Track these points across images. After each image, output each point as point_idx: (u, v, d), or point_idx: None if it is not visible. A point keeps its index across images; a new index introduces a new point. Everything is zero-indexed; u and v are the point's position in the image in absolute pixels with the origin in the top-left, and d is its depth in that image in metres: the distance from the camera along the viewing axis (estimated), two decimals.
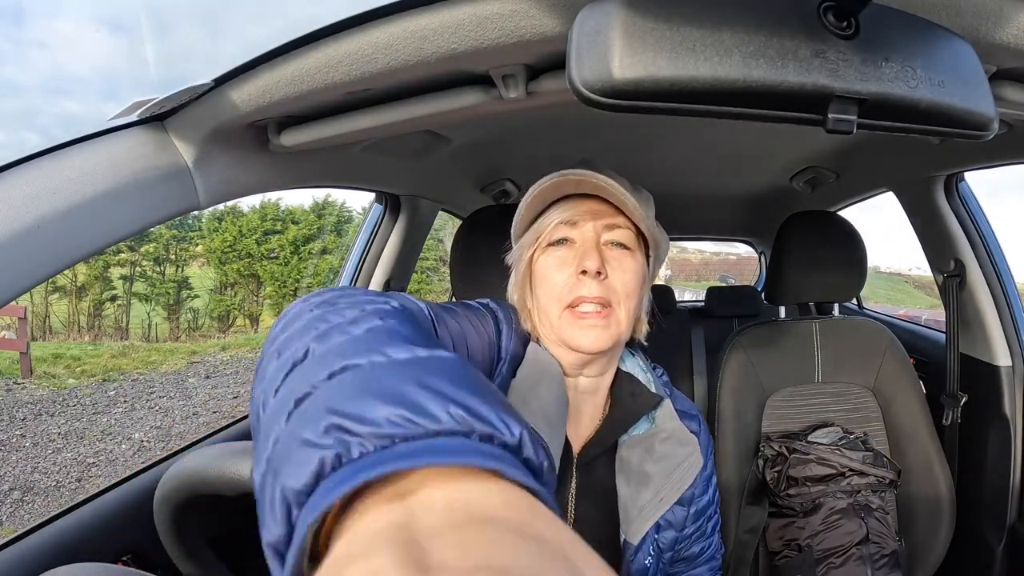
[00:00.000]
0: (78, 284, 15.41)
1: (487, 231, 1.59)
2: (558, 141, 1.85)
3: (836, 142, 1.93)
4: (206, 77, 0.91)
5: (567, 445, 1.07)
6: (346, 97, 0.95)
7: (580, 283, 1.01)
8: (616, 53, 0.55)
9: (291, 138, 1.09)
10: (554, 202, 1.08)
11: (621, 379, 1.16)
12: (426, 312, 0.88)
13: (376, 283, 2.26)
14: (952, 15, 0.69)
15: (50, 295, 14.83)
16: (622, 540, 1.10)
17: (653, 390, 1.16)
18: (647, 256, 1.10)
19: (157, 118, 0.98)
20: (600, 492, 1.12)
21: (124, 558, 1.21)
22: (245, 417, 1.84)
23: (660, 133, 1.84)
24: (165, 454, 1.56)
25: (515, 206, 1.47)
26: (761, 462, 1.83)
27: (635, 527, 1.09)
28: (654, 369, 1.24)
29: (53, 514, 1.21)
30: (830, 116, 0.58)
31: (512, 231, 1.15)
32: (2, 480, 6.23)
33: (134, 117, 0.95)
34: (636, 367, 1.19)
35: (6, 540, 1.13)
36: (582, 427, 1.14)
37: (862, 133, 0.60)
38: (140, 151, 0.95)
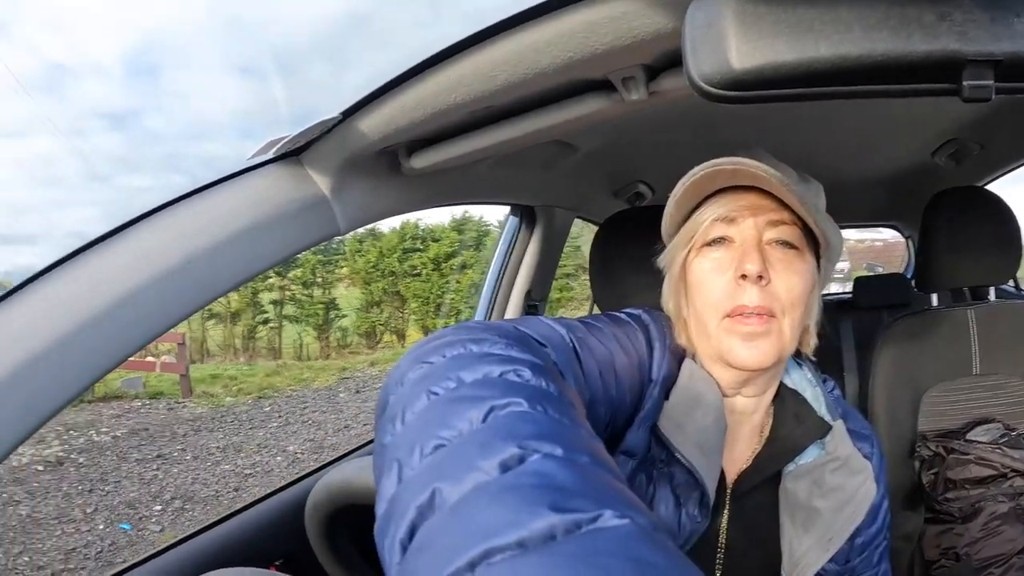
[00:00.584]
0: (232, 310, 16.25)
1: (624, 236, 1.59)
2: (688, 137, 1.79)
3: (978, 110, 1.81)
4: (334, 108, 0.95)
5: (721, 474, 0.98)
6: (470, 116, 0.95)
7: (740, 289, 0.91)
8: (732, 43, 0.53)
9: (421, 161, 1.10)
10: (708, 197, 0.97)
11: (784, 397, 1.04)
12: (567, 340, 0.82)
13: (516, 295, 2.27)
14: None
15: (206, 321, 15.73)
16: None
17: (823, 409, 1.02)
18: (817, 256, 0.98)
19: (293, 153, 1.02)
20: (758, 527, 1.02)
21: (277, 562, 1.27)
22: None
23: (789, 117, 1.76)
24: (317, 466, 1.65)
25: (651, 208, 1.47)
26: (917, 464, 1.71)
27: (800, 570, 0.98)
28: (824, 382, 1.09)
29: (212, 520, 1.31)
30: (965, 84, 0.53)
31: (663, 231, 1.06)
32: (165, 490, 6.55)
33: (271, 154, 1.00)
34: (803, 381, 1.06)
35: (169, 544, 1.22)
36: (737, 452, 1.03)
37: (1004, 98, 0.56)
38: (279, 185, 0.99)
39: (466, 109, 0.89)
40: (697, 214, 0.97)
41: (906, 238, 4.02)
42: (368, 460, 0.78)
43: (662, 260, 1.05)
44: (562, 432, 0.50)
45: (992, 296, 1.85)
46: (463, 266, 16.47)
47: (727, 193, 0.95)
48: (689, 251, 0.98)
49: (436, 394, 0.56)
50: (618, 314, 1.00)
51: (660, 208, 1.57)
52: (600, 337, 0.89)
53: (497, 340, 0.65)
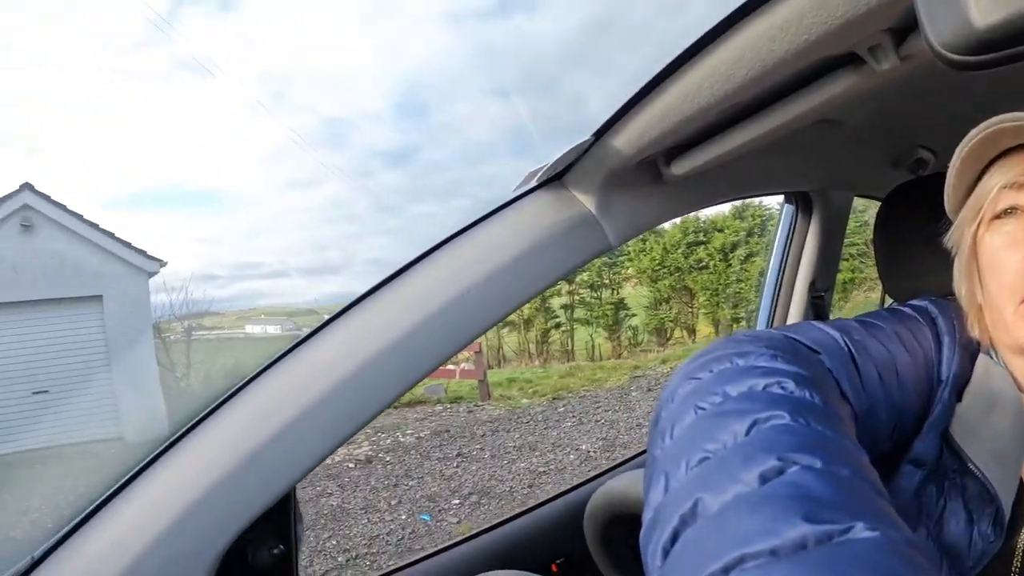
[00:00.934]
0: (524, 317, 17.09)
1: (909, 211, 1.47)
2: (970, 89, 1.53)
3: None
4: (593, 115, 0.99)
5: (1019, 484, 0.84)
6: (719, 116, 0.93)
7: None
8: (971, 0, 0.46)
9: (680, 167, 1.09)
10: (993, 161, 0.84)
11: None
12: (842, 345, 0.77)
13: (800, 287, 2.17)
14: None
15: (501, 329, 16.70)
16: None
17: None
18: None
19: (555, 178, 1.07)
20: None
21: (557, 562, 1.33)
22: None
23: None
24: (597, 472, 1.67)
25: (936, 176, 1.30)
26: None
27: None
28: None
29: (500, 520, 1.42)
30: None
31: (946, 205, 0.94)
32: (464, 486, 6.93)
33: (534, 183, 1.06)
34: None
35: (463, 537, 1.35)
36: None
37: None
38: (547, 209, 1.04)
39: (713, 110, 0.87)
40: (982, 183, 0.85)
41: None
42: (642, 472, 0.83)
43: (949, 239, 0.93)
44: (822, 444, 0.50)
45: None
46: (749, 254, 16.03)
47: (1015, 155, 0.82)
48: (978, 226, 0.86)
49: (703, 409, 0.58)
50: (901, 308, 0.93)
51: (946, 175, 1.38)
52: (880, 337, 0.83)
53: (763, 352, 0.65)
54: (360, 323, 0.95)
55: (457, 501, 6.44)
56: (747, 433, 0.52)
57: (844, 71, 0.84)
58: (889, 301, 1.96)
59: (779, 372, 0.61)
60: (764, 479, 0.46)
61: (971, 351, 0.88)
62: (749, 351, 0.65)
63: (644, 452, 1.83)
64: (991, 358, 0.87)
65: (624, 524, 0.97)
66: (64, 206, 12.82)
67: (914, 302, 0.95)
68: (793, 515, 0.42)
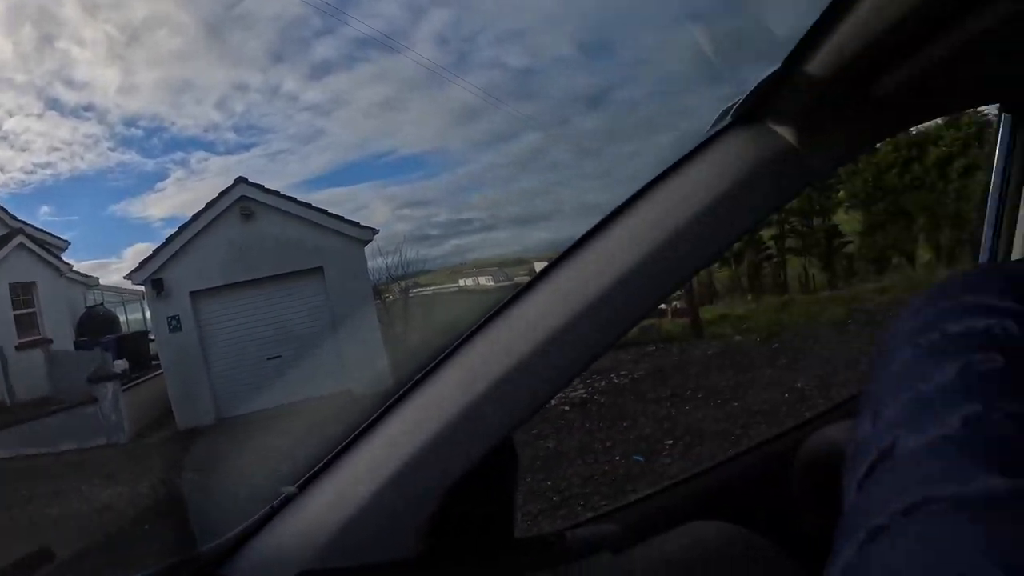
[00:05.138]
0: (734, 252, 16.62)
1: None
2: None
3: None
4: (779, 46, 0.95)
5: None
6: (921, 21, 0.86)
7: None
8: None
9: (883, 85, 1.03)
10: None
11: None
12: None
13: None
14: None
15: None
16: None
17: None
18: None
19: (748, 114, 1.03)
20: None
21: (760, 519, 1.28)
22: None
23: None
24: (804, 417, 1.62)
25: None
26: None
27: None
28: None
29: (706, 466, 1.43)
30: None
31: None
32: (677, 427, 6.95)
33: (728, 120, 1.02)
34: None
35: (664, 486, 1.38)
36: None
37: None
38: (744, 148, 1.01)
39: (914, 17, 0.82)
40: None
41: None
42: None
43: None
44: None
45: None
46: (968, 167, 14.52)
47: None
48: None
49: (919, 345, 0.56)
50: None
51: None
52: None
53: (993, 288, 0.60)
54: (569, 274, 0.96)
55: (670, 442, 6.48)
56: (958, 374, 0.49)
57: None
58: None
59: (1003, 312, 0.57)
60: (966, 423, 0.44)
61: None
62: (979, 286, 0.61)
63: (855, 396, 1.75)
64: None
65: (838, 474, 0.94)
66: (277, 192, 14.29)
67: None
68: (987, 464, 0.40)
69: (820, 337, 10.05)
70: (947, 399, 0.47)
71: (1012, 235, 1.92)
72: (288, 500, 0.94)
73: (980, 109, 14.66)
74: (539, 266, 1.15)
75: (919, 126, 15.50)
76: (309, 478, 0.96)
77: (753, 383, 8.04)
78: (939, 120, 15.57)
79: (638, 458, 6.14)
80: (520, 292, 0.98)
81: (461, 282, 26.03)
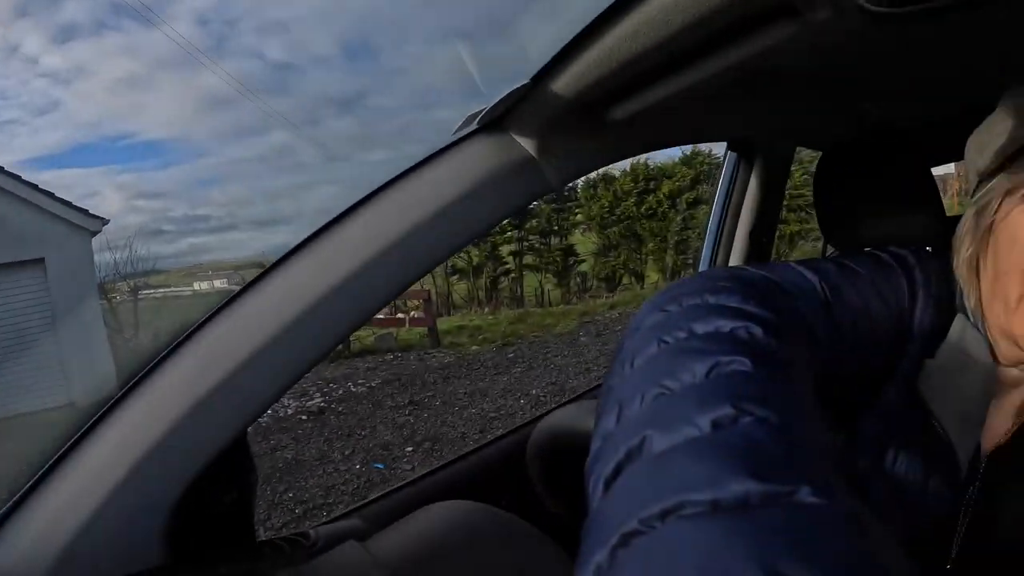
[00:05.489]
0: (474, 265, 17.12)
1: (849, 162, 1.53)
2: (909, 45, 1.50)
3: None
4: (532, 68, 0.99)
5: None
6: (657, 61, 0.94)
7: None
8: None
9: (620, 111, 1.10)
10: None
11: None
12: (819, 289, 0.78)
13: (741, 234, 2.22)
14: None
15: (449, 277, 16.73)
16: None
17: None
18: None
19: (495, 122, 1.06)
20: (1014, 513, 0.87)
21: (503, 500, 1.31)
22: None
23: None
24: (541, 412, 1.65)
25: (878, 130, 1.57)
26: None
27: None
28: None
29: (448, 460, 1.47)
30: None
31: (971, 163, 0.91)
32: (416, 433, 7.04)
33: (475, 126, 1.06)
34: None
35: (413, 479, 1.39)
36: (994, 426, 0.88)
37: None
38: (487, 153, 1.05)
39: (651, 57, 0.89)
40: None
41: None
42: (589, 404, 0.86)
43: (975, 199, 0.88)
44: (780, 397, 0.50)
45: None
46: (697, 201, 16.08)
47: None
48: (1007, 200, 0.82)
49: (666, 343, 0.57)
50: (880, 254, 0.91)
51: (887, 129, 1.56)
52: (857, 283, 0.83)
53: (736, 291, 0.64)
54: (304, 267, 0.95)
55: (410, 448, 6.50)
56: (707, 375, 0.52)
57: (780, 21, 0.85)
58: (831, 250, 1.97)
59: (748, 316, 0.60)
60: (716, 425, 0.46)
61: (944, 307, 0.87)
62: (723, 288, 0.65)
63: (588, 391, 1.91)
64: (970, 320, 0.87)
65: (566, 456, 0.97)
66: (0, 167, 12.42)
67: (893, 249, 0.94)
68: (740, 468, 0.41)
69: (553, 347, 10.53)
70: (697, 400, 0.49)
71: (728, 257, 2.21)
72: None
73: (714, 151, 16.43)
74: None
75: (657, 162, 17.07)
76: (21, 496, 0.88)
77: (490, 390, 8.28)
78: (676, 157, 17.21)
79: (378, 466, 6.19)
80: (251, 284, 0.97)
81: (196, 285, 24.76)
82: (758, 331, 0.58)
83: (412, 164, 1.02)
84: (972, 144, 0.91)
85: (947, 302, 0.87)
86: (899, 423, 0.85)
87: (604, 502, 0.45)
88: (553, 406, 1.62)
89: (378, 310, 0.97)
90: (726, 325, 0.58)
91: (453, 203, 0.98)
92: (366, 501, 1.34)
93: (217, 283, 24.82)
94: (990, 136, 0.86)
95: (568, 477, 1.01)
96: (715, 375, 0.51)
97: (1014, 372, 0.85)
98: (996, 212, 0.82)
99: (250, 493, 0.98)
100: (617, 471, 0.46)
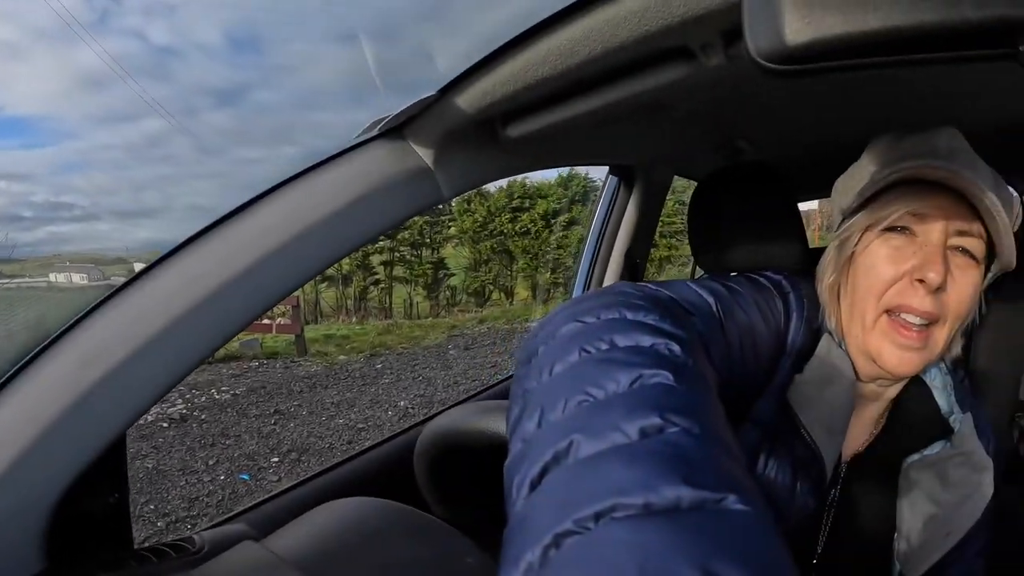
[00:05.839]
0: (343, 273, 16.84)
1: (723, 192, 1.62)
2: (788, 92, 1.66)
3: None
4: (439, 73, 1.01)
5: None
6: (559, 86, 0.98)
7: (912, 290, 0.89)
8: (787, 19, 0.54)
9: (517, 129, 1.14)
10: (898, 183, 0.94)
11: (911, 386, 1.02)
12: (714, 310, 0.84)
13: (617, 254, 2.29)
14: None
15: (319, 284, 16.38)
16: (896, 572, 0.99)
17: (951, 399, 1.01)
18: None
19: (396, 129, 1.08)
20: (868, 511, 1.01)
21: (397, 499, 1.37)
22: (498, 383, 2.02)
23: (893, 72, 1.68)
24: (412, 423, 1.75)
25: (751, 165, 1.65)
26: (1016, 434, 1.64)
27: (914, 563, 0.97)
28: (955, 372, 1.07)
29: (329, 465, 1.45)
30: (1023, 48, 0.51)
31: (837, 203, 1.03)
32: (282, 443, 6.84)
33: (376, 132, 1.07)
34: (935, 370, 1.03)
35: (285, 488, 1.35)
36: (855, 435, 1.02)
37: None
38: (386, 159, 1.06)
39: (554, 82, 0.92)
40: (887, 200, 0.93)
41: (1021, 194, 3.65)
42: (474, 406, 0.89)
43: (838, 233, 1.00)
44: (702, 411, 0.52)
45: None
46: (571, 222, 16.38)
47: (920, 188, 0.92)
48: (867, 231, 0.95)
49: (588, 352, 0.59)
50: (758, 278, 0.99)
51: (760, 164, 1.64)
52: (743, 304, 0.89)
53: (651, 309, 0.67)
54: (192, 263, 0.92)
55: (276, 459, 6.33)
56: (631, 385, 0.53)
57: (677, 62, 0.91)
58: (699, 273, 2.06)
59: (666, 334, 0.63)
60: (644, 434, 0.47)
61: (814, 327, 0.98)
62: (639, 305, 0.67)
63: (475, 394, 1.91)
64: (834, 339, 0.97)
65: (454, 459, 0.98)
66: None
67: (769, 273, 1.02)
68: (672, 474, 0.43)
69: (421, 360, 10.50)
70: (624, 409, 0.50)
71: (603, 277, 2.27)
72: None
73: (590, 174, 16.83)
74: (138, 267, 1.07)
75: (534, 181, 17.29)
76: None
77: (357, 401, 8.19)
78: (552, 178, 17.52)
79: (244, 476, 5.98)
80: (129, 282, 0.92)
81: (52, 276, 23.17)
82: (676, 348, 0.61)
83: (311, 164, 1.02)
84: (838, 186, 1.02)
85: (816, 323, 0.97)
86: (772, 432, 0.93)
87: (531, 503, 0.46)
88: (440, 408, 1.64)
89: (266, 310, 0.96)
90: (646, 340, 0.60)
91: (347, 207, 0.98)
92: (261, 500, 1.32)
93: (76, 277, 23.29)
94: (854, 180, 0.98)
95: (454, 480, 1.02)
96: (639, 386, 0.53)
97: (872, 387, 0.97)
98: (856, 244, 0.94)
99: (127, 498, 0.94)
100: (543, 473, 0.47)
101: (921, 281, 0.87)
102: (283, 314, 11.63)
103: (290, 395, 8.62)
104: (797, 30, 0.54)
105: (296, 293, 12.86)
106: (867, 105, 1.74)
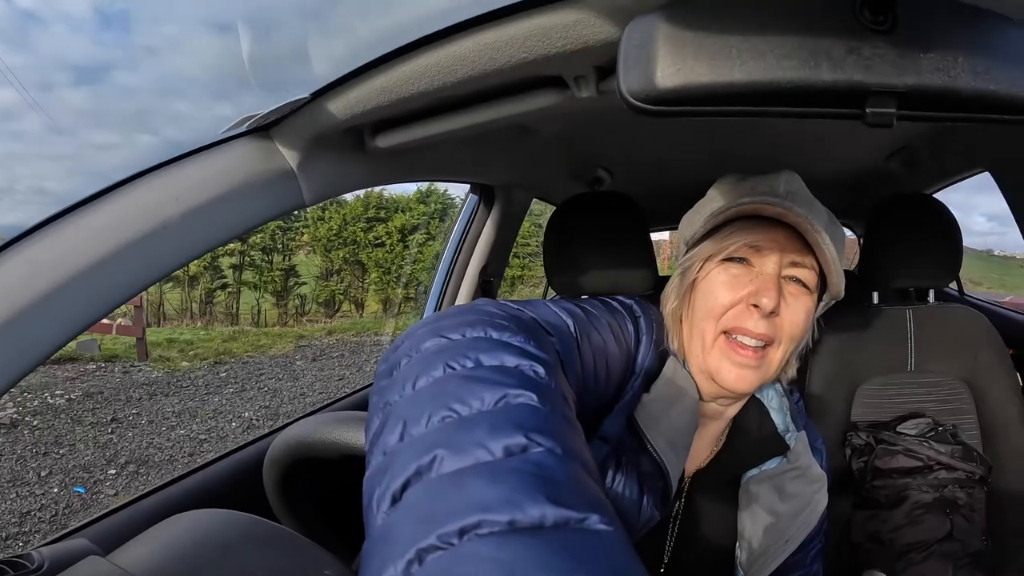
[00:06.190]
0: (190, 274, 16.07)
1: (580, 218, 1.68)
2: (650, 128, 1.81)
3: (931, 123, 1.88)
4: (311, 75, 0.99)
5: None
6: (433, 102, 0.99)
7: (747, 314, 0.96)
8: (659, 63, 0.57)
9: (385, 140, 1.15)
10: (739, 218, 1.02)
11: (750, 406, 1.10)
12: (571, 331, 0.85)
13: (472, 270, 2.32)
14: None
15: (163, 284, 15.52)
16: None
17: (788, 419, 1.09)
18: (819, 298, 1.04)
19: (263, 128, 1.06)
20: (710, 523, 1.08)
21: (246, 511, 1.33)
22: (350, 395, 2.00)
23: (751, 120, 1.79)
24: (277, 426, 1.69)
25: (609, 194, 1.68)
26: (848, 451, 1.80)
27: (756, 569, 1.04)
28: (791, 393, 1.16)
29: (174, 477, 1.38)
30: (868, 111, 0.58)
31: (682, 235, 1.10)
32: (120, 454, 6.52)
33: (243, 129, 1.04)
34: (772, 391, 1.12)
35: (126, 501, 1.28)
36: (697, 451, 1.08)
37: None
38: (250, 158, 1.04)
39: (429, 97, 0.93)
40: (727, 233, 1.01)
41: (858, 237, 4.08)
42: (325, 416, 0.88)
43: (681, 263, 1.06)
44: (564, 433, 0.53)
45: (932, 298, 1.92)
46: (428, 238, 16.38)
47: (759, 223, 1.00)
48: (708, 260, 1.02)
49: (453, 368, 0.59)
50: (611, 301, 1.03)
51: (617, 194, 1.70)
52: (597, 326, 0.92)
53: (516, 330, 0.68)
54: (38, 253, 0.85)
55: (113, 471, 6.03)
56: (496, 404, 0.53)
57: (550, 90, 0.93)
58: (552, 294, 2.24)
59: (531, 355, 0.64)
60: (509, 452, 0.48)
61: (662, 350, 1.02)
62: (504, 326, 0.68)
63: (326, 405, 1.86)
64: (679, 362, 1.02)
65: (306, 469, 0.96)
66: None
67: (621, 298, 1.05)
68: (536, 493, 0.43)
69: (268, 370, 10.26)
70: (488, 426, 0.50)
71: (456, 293, 2.31)
72: None
73: (449, 190, 16.73)
74: None
75: (393, 193, 16.95)
76: None
77: (200, 411, 7.92)
78: (411, 192, 17.29)
79: (79, 489, 5.67)
80: None
81: None
82: (541, 370, 0.62)
83: (173, 156, 0.98)
84: (684, 219, 1.10)
85: (663, 346, 1.02)
86: (619, 448, 0.96)
87: (392, 517, 0.45)
88: (287, 421, 1.59)
89: (115, 308, 0.91)
90: (511, 360, 0.61)
91: (207, 205, 0.95)
92: (94, 518, 1.24)
93: None
94: (699, 214, 1.05)
95: (305, 492, 1.00)
96: (504, 405, 0.54)
97: (714, 406, 1.03)
98: (698, 272, 1.00)
99: None
100: (405, 487, 0.46)
101: (756, 306, 0.94)
102: (125, 314, 11.08)
103: (129, 402, 8.21)
104: (668, 75, 0.57)
105: (140, 293, 12.02)
106: (722, 147, 1.90)
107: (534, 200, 2.45)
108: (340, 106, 0.99)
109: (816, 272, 1.00)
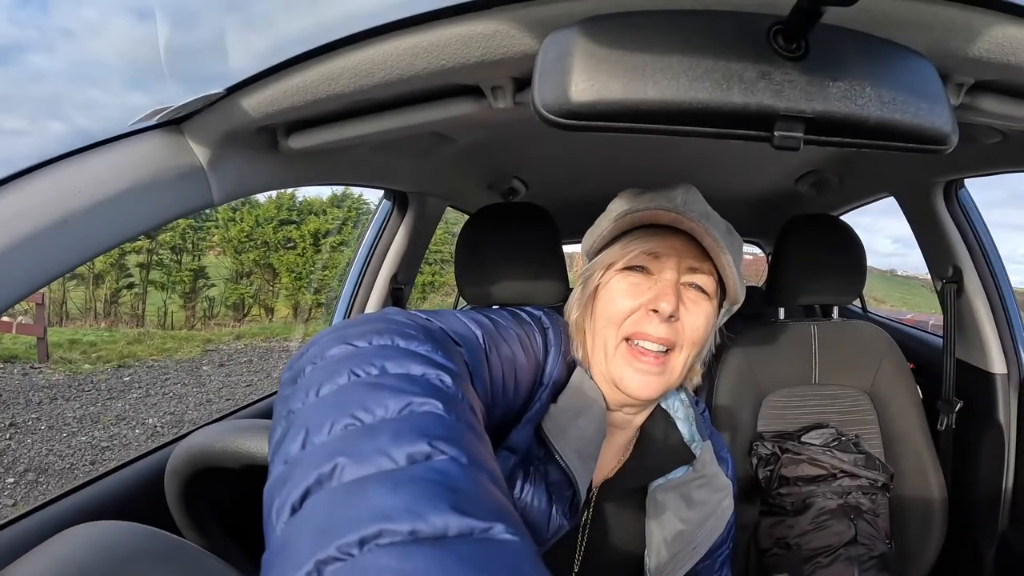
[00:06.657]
0: (95, 272, 15.48)
1: (493, 228, 1.67)
2: (566, 141, 1.85)
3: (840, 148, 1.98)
4: (228, 69, 0.96)
5: None
6: (349, 104, 0.99)
7: (647, 319, 0.97)
8: (574, 78, 0.58)
9: (299, 141, 1.13)
10: (639, 227, 1.02)
11: (656, 416, 1.10)
12: (480, 341, 0.85)
13: (383, 276, 2.29)
14: (922, 31, 0.71)
15: (67, 282, 14.87)
16: None
17: (693, 429, 1.10)
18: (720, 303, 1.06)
19: (175, 122, 1.03)
20: (619, 531, 1.09)
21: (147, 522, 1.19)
22: (256, 402, 1.91)
23: (665, 137, 1.86)
24: (179, 434, 1.60)
25: (522, 204, 1.65)
26: (755, 460, 1.85)
27: (666, 575, 1.06)
28: (696, 404, 1.16)
29: (71, 487, 1.29)
30: (776, 134, 0.60)
31: (584, 246, 1.10)
32: (18, 462, 6.31)
33: (153, 122, 1.01)
34: (678, 402, 1.12)
35: (22, 512, 1.19)
36: (604, 461, 1.08)
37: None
38: (159, 153, 1.00)
39: (346, 99, 0.92)
40: (626, 242, 1.00)
41: (767, 254, 4.15)
42: (228, 424, 0.85)
43: (582, 273, 1.06)
44: (470, 442, 0.52)
45: (836, 315, 2.00)
46: (341, 243, 16.19)
47: (657, 231, 1.00)
48: (608, 270, 1.02)
49: (358, 376, 0.58)
50: (520, 312, 1.02)
51: (531, 205, 1.70)
52: (506, 337, 0.91)
53: (424, 340, 0.67)
54: None
55: (11, 480, 5.83)
56: (400, 412, 0.53)
57: (466, 99, 0.93)
58: (463, 303, 2.18)
59: (438, 365, 0.63)
60: (412, 460, 0.47)
61: (570, 361, 1.01)
62: (411, 335, 0.67)
63: (231, 412, 1.81)
64: (586, 372, 1.01)
65: (208, 479, 0.92)
66: None
67: (530, 309, 1.05)
68: (440, 502, 0.42)
69: (173, 374, 10.03)
70: (391, 434, 0.49)
71: (367, 299, 2.27)
72: None
73: (365, 196, 16.32)
74: None
75: (307, 196, 16.45)
76: None
77: (102, 416, 7.67)
78: (325, 196, 16.95)
79: None
80: None
81: None
82: (447, 379, 0.61)
83: (79, 146, 0.94)
84: (587, 233, 1.09)
85: (571, 356, 1.02)
86: (528, 459, 0.95)
87: (291, 527, 0.44)
88: (192, 428, 1.49)
89: (13, 304, 0.87)
90: (418, 369, 0.60)
91: (113, 199, 0.92)
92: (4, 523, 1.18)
93: None
94: (600, 226, 1.05)
95: (208, 502, 0.96)
96: (408, 413, 0.53)
97: (620, 415, 1.04)
98: (599, 280, 1.01)
99: None
100: (305, 496, 0.45)
101: (655, 311, 0.95)
102: (26, 312, 10.65)
103: (28, 406, 7.91)
104: (582, 90, 0.58)
105: (42, 290, 11.43)
106: (635, 163, 1.93)
107: (448, 208, 2.45)
108: (255, 103, 0.97)
109: (715, 278, 1.01)
